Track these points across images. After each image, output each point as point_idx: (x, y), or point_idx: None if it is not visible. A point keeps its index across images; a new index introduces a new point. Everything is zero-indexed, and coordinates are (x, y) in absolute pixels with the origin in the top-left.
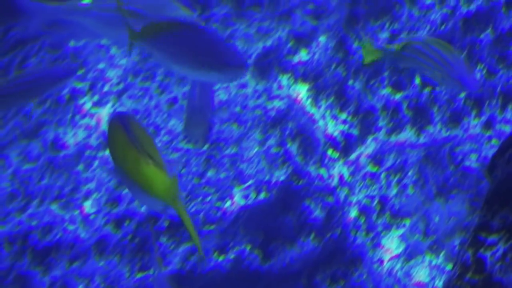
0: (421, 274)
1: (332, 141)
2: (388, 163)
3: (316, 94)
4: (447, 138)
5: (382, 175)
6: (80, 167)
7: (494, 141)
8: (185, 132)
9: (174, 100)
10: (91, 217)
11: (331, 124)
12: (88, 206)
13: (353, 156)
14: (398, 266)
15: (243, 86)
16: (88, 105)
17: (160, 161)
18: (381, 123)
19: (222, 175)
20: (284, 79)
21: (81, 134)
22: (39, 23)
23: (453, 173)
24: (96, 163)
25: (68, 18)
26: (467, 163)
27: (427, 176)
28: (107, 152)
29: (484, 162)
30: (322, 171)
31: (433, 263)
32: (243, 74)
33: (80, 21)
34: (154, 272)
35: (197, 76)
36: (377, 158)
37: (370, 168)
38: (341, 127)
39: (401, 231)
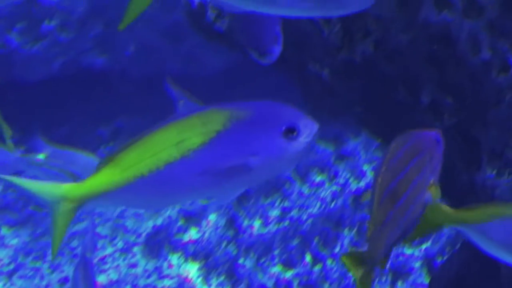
0: None
1: None
2: None
3: (207, 273)
4: None
5: None
6: None
7: None
8: None
9: (65, 279)
10: None
11: None
12: None
13: None
14: None
15: (134, 265)
16: None
17: None
18: None
19: None
20: (175, 258)
21: None
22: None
23: None
24: None
25: (26, 170)
26: None
27: None
28: None
29: None
30: None
31: None
32: None
33: (35, 174)
34: None
35: None
36: None
37: None
38: None
39: None
